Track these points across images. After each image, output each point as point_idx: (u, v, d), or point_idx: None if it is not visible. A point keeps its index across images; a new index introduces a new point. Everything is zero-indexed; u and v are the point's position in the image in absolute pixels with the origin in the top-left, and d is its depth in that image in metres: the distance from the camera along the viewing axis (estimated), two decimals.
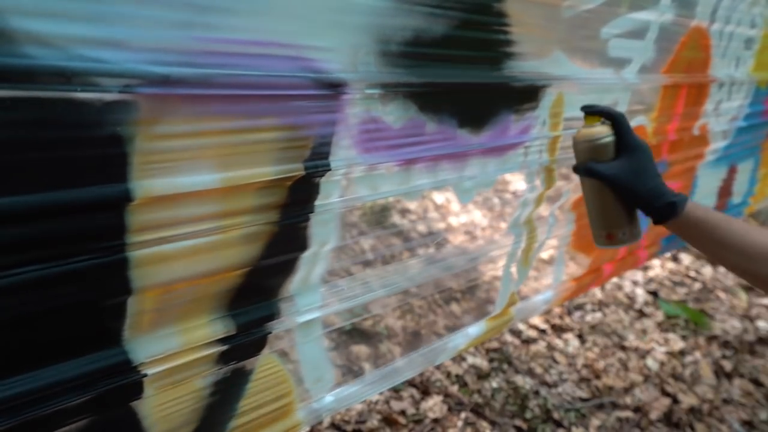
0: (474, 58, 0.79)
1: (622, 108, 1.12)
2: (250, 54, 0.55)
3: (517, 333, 2.40)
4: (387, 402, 1.88)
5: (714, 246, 0.73)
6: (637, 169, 0.76)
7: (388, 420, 1.81)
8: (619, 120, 0.79)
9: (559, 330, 2.48)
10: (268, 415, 0.75)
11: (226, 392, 0.69)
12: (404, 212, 3.04)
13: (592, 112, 0.81)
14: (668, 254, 3.29)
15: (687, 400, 2.16)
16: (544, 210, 1.10)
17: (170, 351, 0.61)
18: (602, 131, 0.78)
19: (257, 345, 0.70)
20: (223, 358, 0.66)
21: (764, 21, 1.48)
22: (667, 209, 0.74)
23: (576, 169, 0.82)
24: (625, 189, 0.77)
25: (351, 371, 0.85)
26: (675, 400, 2.16)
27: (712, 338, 2.60)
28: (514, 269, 1.11)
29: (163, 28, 0.49)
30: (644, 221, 0.82)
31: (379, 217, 2.92)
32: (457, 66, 0.77)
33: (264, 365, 0.72)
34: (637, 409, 2.09)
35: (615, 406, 2.09)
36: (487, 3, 0.77)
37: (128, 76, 0.47)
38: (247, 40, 0.55)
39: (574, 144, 0.82)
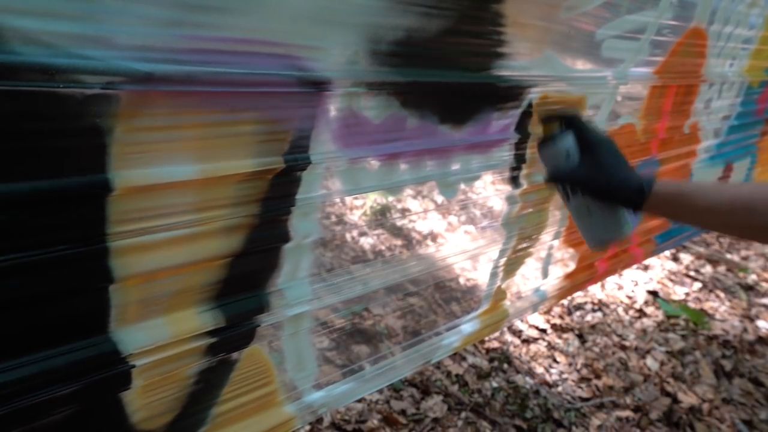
0: (464, 58, 0.80)
1: (608, 108, 1.14)
2: (236, 52, 0.56)
3: (517, 332, 2.40)
4: (387, 401, 1.89)
5: (696, 214, 0.73)
6: (602, 165, 0.76)
7: (388, 419, 1.81)
8: (574, 120, 0.80)
9: (559, 329, 2.49)
10: (252, 404, 0.76)
11: (211, 381, 0.70)
12: (404, 211, 3.05)
13: (548, 118, 0.82)
14: (668, 254, 3.29)
15: (687, 400, 2.16)
16: (534, 206, 1.11)
17: (159, 342, 0.62)
18: (559, 135, 0.79)
19: (245, 337, 0.71)
20: (211, 350, 0.67)
21: (764, 21, 1.49)
22: (636, 194, 0.75)
23: (546, 180, 0.83)
24: (593, 186, 0.77)
25: (348, 369, 0.86)
26: (675, 400, 2.16)
27: (712, 338, 2.59)
28: (502, 264, 1.12)
29: (148, 25, 0.50)
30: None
31: (377, 215, 2.93)
32: (444, 66, 0.77)
33: (249, 356, 0.73)
34: (637, 409, 2.09)
35: (615, 405, 2.09)
36: (484, 3, 0.77)
37: (112, 74, 0.48)
38: (233, 38, 0.55)
39: (539, 155, 0.83)
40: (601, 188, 0.77)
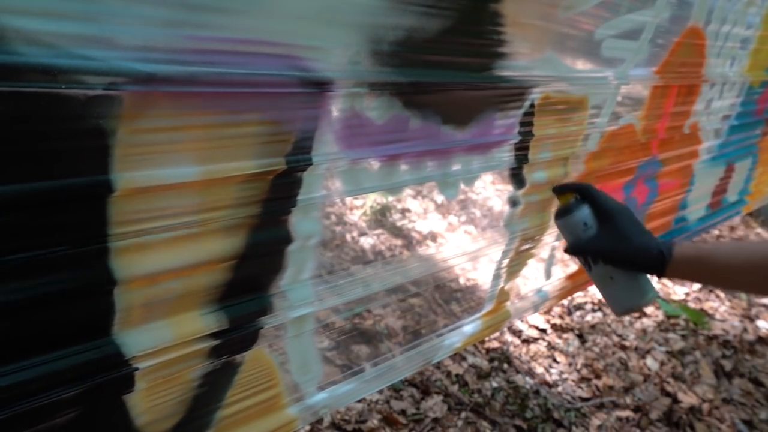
0: (465, 58, 0.80)
1: (610, 108, 1.14)
2: (238, 52, 0.55)
3: (517, 332, 2.40)
4: (387, 401, 1.89)
5: (718, 275, 0.76)
6: (622, 233, 0.78)
7: (388, 419, 1.81)
8: (588, 190, 0.82)
9: (559, 329, 2.49)
10: (257, 407, 0.76)
11: (215, 384, 0.70)
12: (404, 211, 3.05)
13: (561, 191, 0.85)
14: None
15: (687, 400, 2.16)
16: (536, 207, 1.11)
17: (162, 345, 0.62)
18: (575, 206, 0.82)
19: (249, 339, 0.71)
20: (214, 352, 0.67)
21: (762, 21, 1.49)
22: (658, 261, 0.76)
23: (566, 251, 0.85)
24: (615, 255, 0.79)
25: (350, 370, 0.86)
26: (675, 400, 2.16)
27: (712, 338, 2.60)
28: (505, 265, 1.12)
29: (151, 26, 0.49)
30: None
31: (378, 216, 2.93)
32: (445, 66, 0.77)
33: (253, 358, 0.73)
34: (637, 409, 2.09)
35: (615, 405, 2.10)
36: (484, 3, 0.77)
37: (114, 74, 0.48)
38: (235, 38, 0.55)
39: (557, 227, 0.86)
40: (622, 257, 0.79)
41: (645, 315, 2.70)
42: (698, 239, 3.41)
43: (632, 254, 0.78)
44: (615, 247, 0.79)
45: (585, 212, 0.82)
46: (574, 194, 0.84)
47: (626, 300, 0.83)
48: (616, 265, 0.81)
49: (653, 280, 0.82)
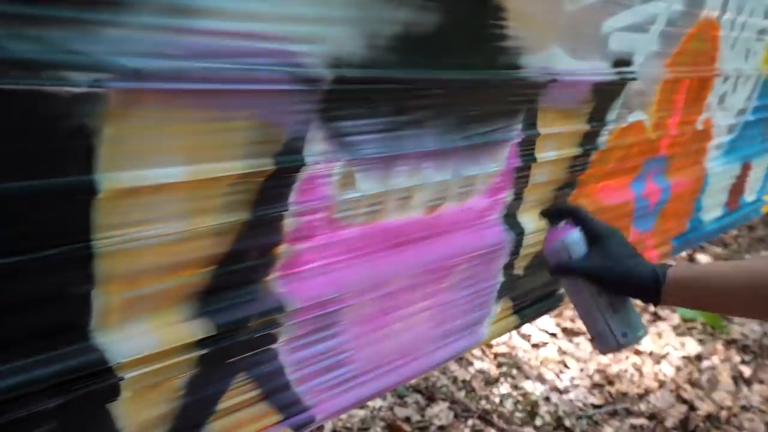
0: (465, 53, 0.77)
1: (618, 103, 1.10)
2: (227, 46, 0.54)
3: (526, 336, 2.36)
4: (391, 408, 1.86)
5: (715, 298, 0.71)
6: (613, 255, 0.75)
7: (392, 427, 1.78)
8: (578, 213, 0.80)
9: (570, 333, 2.44)
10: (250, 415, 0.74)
11: (206, 391, 0.68)
12: None
13: (551, 214, 0.84)
14: (684, 255, 3.22)
15: (704, 407, 2.11)
16: (542, 206, 1.07)
17: (148, 351, 0.60)
18: (566, 229, 0.79)
19: (241, 345, 0.69)
20: (205, 358, 0.65)
21: None
22: (652, 282, 0.71)
23: (552, 272, 0.81)
24: (606, 276, 0.75)
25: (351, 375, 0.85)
26: (691, 407, 2.11)
27: (730, 342, 2.53)
28: (513, 267, 1.08)
29: (136, 17, 0.48)
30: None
31: None
32: (446, 62, 0.75)
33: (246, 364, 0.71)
34: (651, 417, 2.04)
35: (629, 413, 2.05)
36: None
37: (98, 70, 0.47)
38: (225, 30, 0.53)
39: (544, 251, 0.82)
40: (613, 276, 0.74)
41: (660, 318, 2.64)
42: (715, 240, 3.33)
43: (623, 274, 0.73)
44: (607, 267, 0.74)
45: (576, 235, 0.78)
46: (563, 217, 0.81)
47: (614, 332, 0.76)
48: (607, 286, 0.75)
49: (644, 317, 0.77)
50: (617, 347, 0.78)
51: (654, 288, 0.71)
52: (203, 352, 0.64)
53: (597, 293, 0.76)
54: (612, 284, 0.75)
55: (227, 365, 0.68)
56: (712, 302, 0.73)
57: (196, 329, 0.63)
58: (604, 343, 0.78)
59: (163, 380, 0.62)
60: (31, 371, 0.52)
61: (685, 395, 2.17)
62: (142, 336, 0.59)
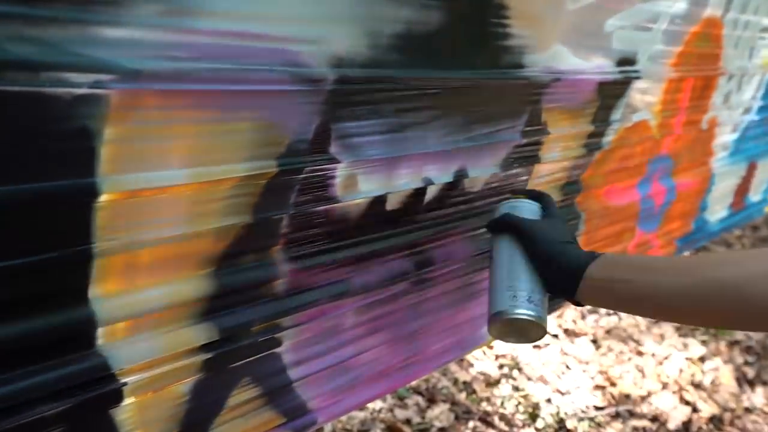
0: (468, 52, 0.76)
1: (622, 103, 1.09)
2: (229, 47, 0.53)
3: None
4: (391, 410, 1.85)
5: (655, 295, 0.64)
6: (557, 231, 0.76)
7: (392, 429, 1.77)
8: (546, 199, 0.83)
9: (572, 334, 2.43)
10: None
11: (209, 396, 0.67)
12: None
13: (518, 192, 0.87)
14: (687, 254, 3.21)
15: (707, 409, 2.10)
16: None
17: (152, 356, 0.59)
18: (526, 201, 0.82)
19: (246, 349, 0.68)
20: (208, 363, 0.64)
21: None
22: (583, 258, 0.69)
23: (494, 223, 0.80)
24: (538, 242, 0.74)
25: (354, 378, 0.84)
26: (694, 409, 2.10)
27: (733, 343, 2.52)
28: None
29: (136, 17, 0.47)
30: None
31: None
32: (449, 61, 0.74)
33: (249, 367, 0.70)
34: (654, 419, 2.03)
35: (631, 414, 2.04)
36: None
37: (99, 71, 0.46)
38: (226, 31, 0.52)
39: (498, 205, 0.83)
40: (548, 246, 0.73)
41: None
42: (717, 240, 3.32)
43: (556, 248, 0.72)
44: (546, 236, 0.74)
45: (534, 206, 0.81)
46: (528, 196, 0.84)
47: (516, 302, 0.72)
48: (537, 256, 0.73)
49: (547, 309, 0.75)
50: (508, 319, 0.72)
51: (585, 260, 0.68)
52: (207, 356, 0.64)
53: (522, 262, 0.74)
54: (543, 255, 0.73)
55: (231, 369, 0.68)
56: (647, 299, 0.65)
57: (200, 334, 0.63)
58: (497, 308, 0.73)
59: (166, 385, 0.62)
60: (34, 377, 0.52)
61: (688, 397, 2.16)
62: (145, 341, 0.59)
